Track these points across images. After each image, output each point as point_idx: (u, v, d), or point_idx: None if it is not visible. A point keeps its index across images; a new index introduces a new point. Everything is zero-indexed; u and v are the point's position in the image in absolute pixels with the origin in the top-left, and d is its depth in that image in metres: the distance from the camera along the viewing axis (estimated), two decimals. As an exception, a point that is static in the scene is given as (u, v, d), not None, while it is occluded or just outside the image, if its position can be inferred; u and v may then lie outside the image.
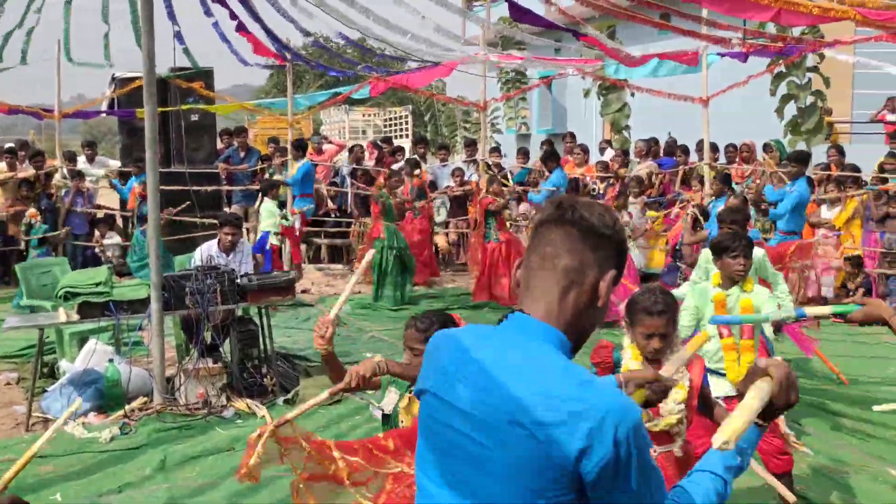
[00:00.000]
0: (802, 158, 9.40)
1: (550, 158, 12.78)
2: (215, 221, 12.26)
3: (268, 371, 7.60)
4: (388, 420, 3.48)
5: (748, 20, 10.01)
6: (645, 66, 12.77)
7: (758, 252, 5.52)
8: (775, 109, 14.44)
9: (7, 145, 14.85)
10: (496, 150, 15.94)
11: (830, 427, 6.63)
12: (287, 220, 12.28)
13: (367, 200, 13.61)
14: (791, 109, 14.37)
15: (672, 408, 3.57)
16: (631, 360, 3.66)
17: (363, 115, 27.53)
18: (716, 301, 4.84)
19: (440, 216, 14.64)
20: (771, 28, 11.54)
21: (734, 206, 7.78)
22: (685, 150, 14.31)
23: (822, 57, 13.23)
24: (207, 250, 8.30)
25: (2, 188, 13.03)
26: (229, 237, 8.35)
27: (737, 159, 13.27)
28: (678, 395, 3.55)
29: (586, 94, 17.75)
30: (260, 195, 12.73)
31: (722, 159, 13.55)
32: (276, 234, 11.98)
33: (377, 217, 11.56)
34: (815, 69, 13.93)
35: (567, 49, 14.55)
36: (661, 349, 3.60)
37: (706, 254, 6.25)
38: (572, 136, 15.76)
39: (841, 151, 12.47)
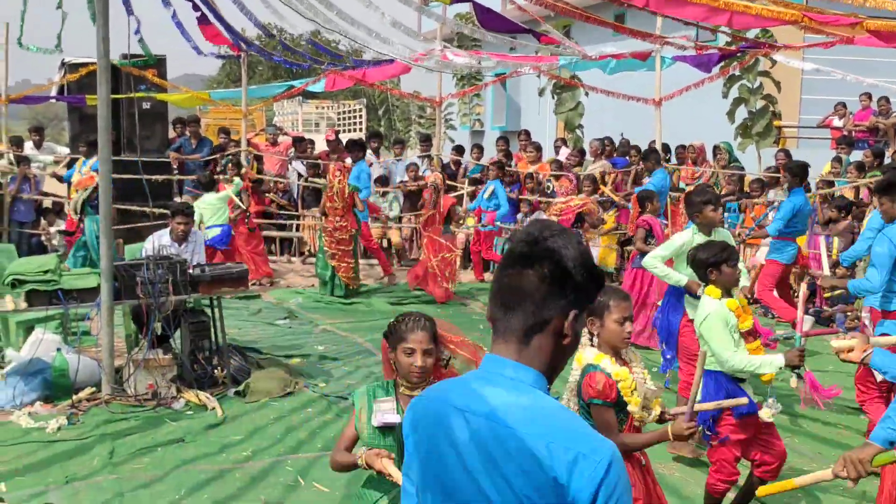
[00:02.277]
0: (800, 170, 9.38)
1: (649, 157, 11.25)
2: (166, 211, 12.15)
3: (219, 363, 7.54)
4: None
5: (701, 23, 10.16)
6: (600, 64, 12.94)
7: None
8: (727, 112, 14.70)
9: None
10: (458, 148, 15.99)
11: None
12: (242, 206, 12.22)
13: (318, 193, 13.57)
14: (742, 113, 14.64)
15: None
16: (612, 366, 3.68)
17: (317, 108, 27.38)
18: (734, 309, 4.76)
19: (394, 211, 14.63)
20: (723, 31, 11.75)
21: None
22: (639, 151, 14.49)
23: (773, 62, 13.50)
24: (158, 239, 8.19)
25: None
26: (181, 227, 8.28)
27: (686, 161, 13.49)
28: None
29: (541, 92, 17.89)
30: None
31: (673, 160, 13.75)
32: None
33: (349, 209, 11.45)
34: (766, 73, 14.21)
35: (523, 47, 14.64)
36: (630, 334, 3.72)
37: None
38: (527, 133, 15.86)
39: (788, 155, 12.75)
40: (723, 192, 12.17)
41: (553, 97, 17.30)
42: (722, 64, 12.41)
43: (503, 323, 1.90)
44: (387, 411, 3.29)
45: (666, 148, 13.29)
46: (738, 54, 11.79)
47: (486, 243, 12.90)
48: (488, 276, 12.73)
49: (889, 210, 6.18)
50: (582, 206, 10.18)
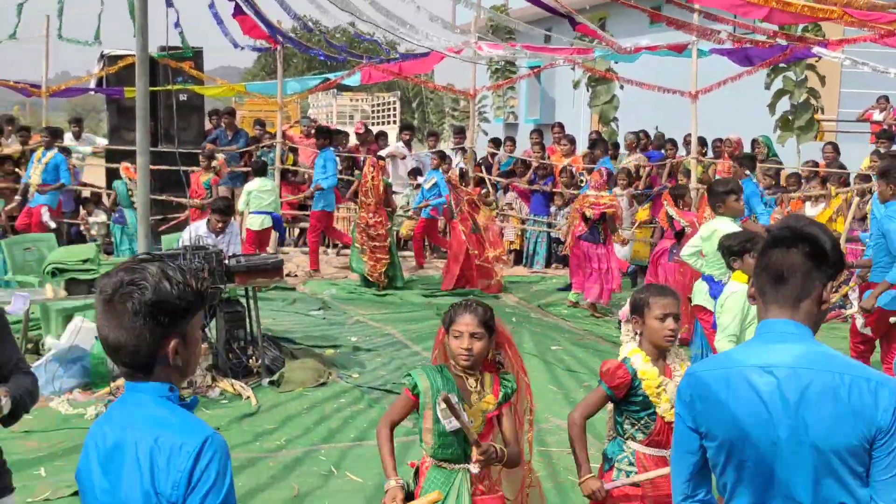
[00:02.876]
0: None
1: (745, 161, 10.51)
2: (202, 202, 12.27)
3: (254, 352, 7.62)
4: (459, 432, 3.33)
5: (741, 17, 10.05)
6: (634, 56, 12.85)
7: None
8: (768, 104, 14.51)
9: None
10: (495, 141, 15.97)
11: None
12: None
13: (351, 185, 13.64)
14: (783, 105, 14.46)
15: None
16: (641, 363, 3.66)
17: (351, 100, 27.48)
18: None
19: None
20: (764, 24, 11.60)
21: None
22: (674, 144, 14.39)
23: (818, 58, 13.31)
24: (196, 230, 8.29)
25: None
26: (220, 224, 8.38)
27: (723, 154, 13.34)
28: None
29: (576, 85, 17.80)
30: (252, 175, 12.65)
31: (710, 153, 13.63)
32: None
33: (381, 205, 11.49)
34: (811, 67, 13.99)
35: (558, 39, 14.58)
36: (674, 331, 3.63)
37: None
38: (560, 126, 15.79)
39: (836, 150, 12.51)
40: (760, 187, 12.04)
41: (588, 90, 17.21)
42: (767, 60, 12.24)
43: (774, 293, 2.33)
44: (443, 418, 3.29)
45: (702, 141, 13.17)
46: (784, 48, 11.60)
47: (431, 231, 13.20)
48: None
49: (884, 192, 6.59)
50: (609, 206, 10.12)
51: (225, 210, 8.49)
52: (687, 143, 13.21)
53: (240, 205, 12.09)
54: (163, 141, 13.81)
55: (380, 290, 11.43)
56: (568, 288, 11.09)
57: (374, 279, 11.47)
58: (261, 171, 12.25)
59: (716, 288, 6.19)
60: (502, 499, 3.49)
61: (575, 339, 9.29)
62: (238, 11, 12.69)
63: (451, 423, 3.26)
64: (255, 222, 11.84)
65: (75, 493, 5.14)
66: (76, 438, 6.08)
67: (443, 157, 13.23)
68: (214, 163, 12.97)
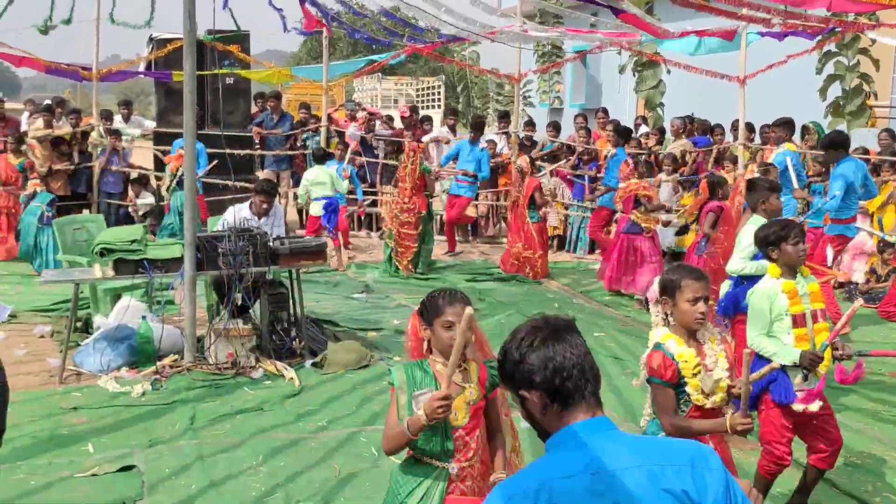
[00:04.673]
0: (839, 142, 9.08)
1: (833, 146, 9.18)
2: (248, 185, 12.38)
3: (297, 334, 7.69)
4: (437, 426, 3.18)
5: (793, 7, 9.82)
6: (682, 42, 12.66)
7: None
8: (819, 89, 14.24)
9: (45, 102, 15.00)
10: (530, 123, 15.86)
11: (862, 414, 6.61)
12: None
13: (395, 170, 13.64)
14: (835, 91, 14.17)
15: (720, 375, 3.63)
16: (677, 347, 3.63)
17: (395, 84, 27.48)
18: (788, 292, 4.66)
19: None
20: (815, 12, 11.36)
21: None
22: (722, 130, 14.19)
23: (873, 40, 13.00)
24: (239, 212, 8.34)
25: (39, 145, 13.16)
26: (264, 205, 8.40)
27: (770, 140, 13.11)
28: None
29: (621, 69, 17.63)
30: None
31: (757, 140, 13.41)
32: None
33: (420, 190, 11.49)
34: (864, 51, 13.69)
35: (604, 24, 14.43)
36: (704, 314, 3.60)
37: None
38: (605, 111, 15.66)
39: (893, 136, 12.21)
40: (809, 174, 11.83)
41: (634, 74, 17.03)
42: (819, 38, 11.99)
43: None
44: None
45: (750, 127, 12.96)
46: (835, 29, 11.35)
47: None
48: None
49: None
50: (637, 188, 9.99)
51: (269, 191, 8.51)
52: (734, 128, 13.00)
53: (299, 193, 12.17)
54: (209, 124, 13.95)
55: (408, 275, 11.43)
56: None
57: (403, 267, 11.44)
58: (320, 158, 12.31)
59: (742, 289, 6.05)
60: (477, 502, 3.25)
61: (618, 326, 9.23)
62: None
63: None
64: (317, 208, 11.90)
65: (122, 469, 5.25)
66: (122, 415, 6.20)
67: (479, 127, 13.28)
68: (24, 146, 12.66)
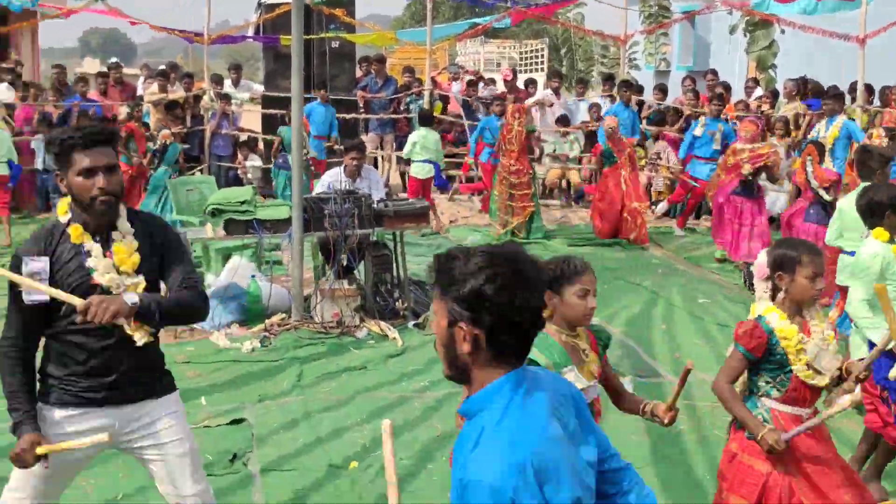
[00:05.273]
0: None
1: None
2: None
3: (400, 295, 7.79)
4: None
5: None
6: (799, 2, 12.19)
7: None
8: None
9: (159, 67, 15.48)
10: (625, 83, 15.52)
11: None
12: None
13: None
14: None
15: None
16: (779, 321, 3.52)
17: (498, 48, 27.31)
18: None
19: (574, 151, 14.49)
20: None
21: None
22: (838, 92, 13.60)
23: None
24: (333, 177, 8.41)
25: (154, 109, 13.61)
26: (354, 162, 8.27)
27: (891, 103, 12.53)
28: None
29: (732, 30, 17.10)
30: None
31: (876, 102, 12.83)
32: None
33: (525, 151, 11.42)
34: None
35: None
36: (821, 290, 3.49)
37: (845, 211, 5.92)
38: (714, 73, 15.22)
39: None
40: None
41: (745, 35, 16.48)
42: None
43: None
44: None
45: (869, 89, 12.41)
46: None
47: None
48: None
49: None
50: (768, 155, 9.64)
51: (358, 146, 8.46)
52: (852, 91, 12.47)
53: (405, 152, 12.27)
54: (315, 88, 14.15)
55: (521, 238, 11.40)
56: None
57: (512, 228, 11.42)
58: (427, 120, 12.37)
59: None
60: None
61: (724, 293, 9.04)
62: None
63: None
64: (420, 171, 11.99)
65: (232, 422, 5.45)
66: (233, 371, 6.42)
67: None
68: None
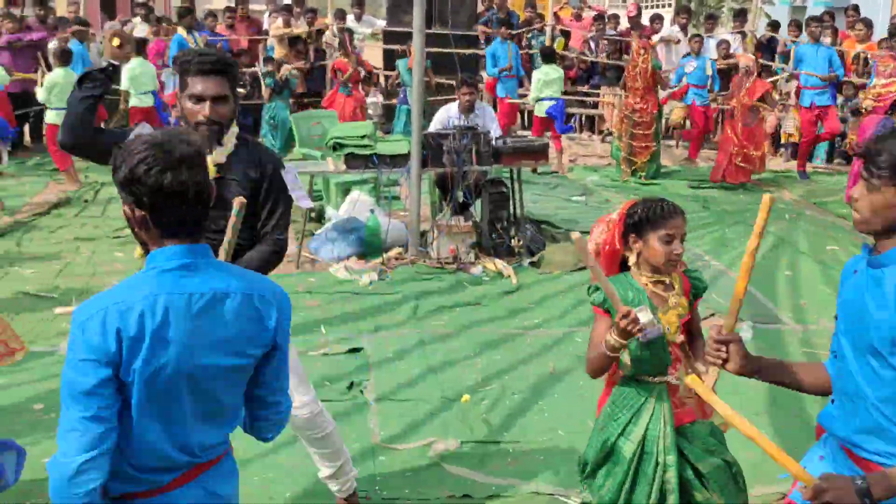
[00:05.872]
0: None
1: None
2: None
3: (516, 233, 7.78)
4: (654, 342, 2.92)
5: None
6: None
7: None
8: None
9: (284, 2, 15.69)
10: (773, 24, 14.86)
11: None
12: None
13: (619, 70, 13.22)
14: None
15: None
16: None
17: (625, -19, 26.47)
18: None
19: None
20: None
21: None
22: None
23: None
24: (446, 112, 8.39)
25: (278, 43, 13.84)
26: (466, 97, 8.22)
27: None
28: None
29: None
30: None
31: None
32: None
33: (651, 89, 11.13)
34: None
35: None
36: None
37: None
38: (855, 9, 14.37)
39: None
40: None
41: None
42: None
43: None
44: (648, 326, 2.82)
45: None
46: None
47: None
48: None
49: None
50: None
51: (469, 82, 8.35)
52: None
53: (531, 93, 12.15)
54: (436, 23, 14.08)
55: (642, 179, 11.19)
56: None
57: (635, 167, 11.22)
58: (549, 56, 12.20)
59: None
60: (692, 413, 3.09)
61: (853, 240, 8.67)
62: None
63: (647, 334, 2.83)
64: (542, 109, 11.87)
65: (350, 350, 5.60)
66: (351, 302, 6.58)
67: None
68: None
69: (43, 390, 4.92)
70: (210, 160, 3.11)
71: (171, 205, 2.05)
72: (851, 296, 2.33)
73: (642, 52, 11.02)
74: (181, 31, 12.03)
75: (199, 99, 3.13)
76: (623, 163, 11.27)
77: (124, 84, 11.15)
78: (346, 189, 8.50)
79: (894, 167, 2.21)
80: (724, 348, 2.56)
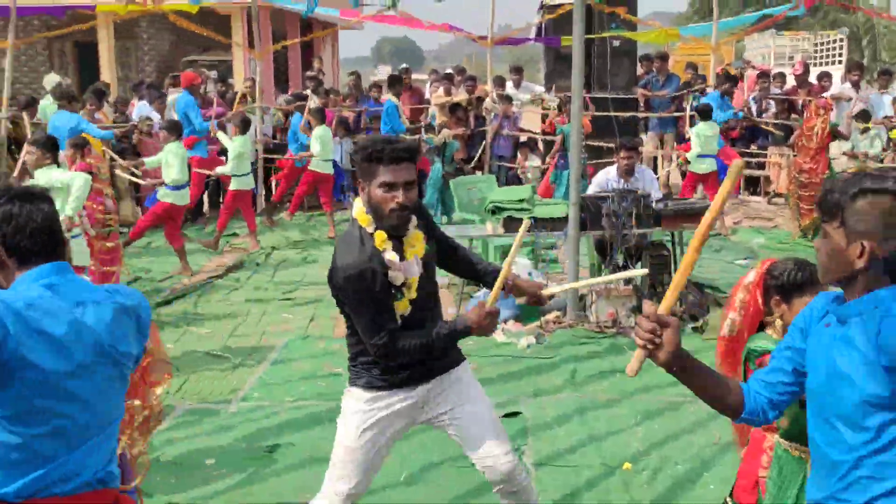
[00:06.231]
0: None
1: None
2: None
3: (678, 297, 7.58)
4: None
5: None
6: None
7: None
8: None
9: (446, 71, 16.16)
10: None
11: None
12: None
13: (789, 130, 12.80)
14: None
15: None
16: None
17: (791, 40, 25.77)
18: None
19: (874, 149, 13.36)
20: None
21: None
22: None
23: None
24: (605, 175, 8.31)
25: (439, 110, 14.23)
26: (625, 161, 8.11)
27: None
28: None
29: None
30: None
31: None
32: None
33: (821, 151, 10.73)
34: None
35: None
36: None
37: None
38: None
39: None
40: None
41: None
42: None
43: None
44: None
45: None
46: None
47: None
48: None
49: None
50: None
51: (629, 146, 8.25)
52: None
53: (693, 149, 11.94)
54: (595, 87, 14.13)
55: (795, 240, 10.73)
56: None
57: (801, 229, 10.77)
58: (706, 114, 12.01)
59: None
60: None
61: None
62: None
63: None
64: (698, 166, 11.65)
65: (508, 415, 5.57)
66: (509, 365, 6.58)
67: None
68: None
69: (214, 445, 5.14)
70: (420, 241, 3.38)
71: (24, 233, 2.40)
72: (820, 350, 2.29)
73: (822, 111, 10.65)
74: (392, 97, 12.83)
75: (390, 187, 3.23)
76: (792, 224, 10.86)
77: (315, 149, 11.75)
78: (504, 252, 8.55)
79: (832, 208, 2.18)
80: (659, 330, 2.19)
